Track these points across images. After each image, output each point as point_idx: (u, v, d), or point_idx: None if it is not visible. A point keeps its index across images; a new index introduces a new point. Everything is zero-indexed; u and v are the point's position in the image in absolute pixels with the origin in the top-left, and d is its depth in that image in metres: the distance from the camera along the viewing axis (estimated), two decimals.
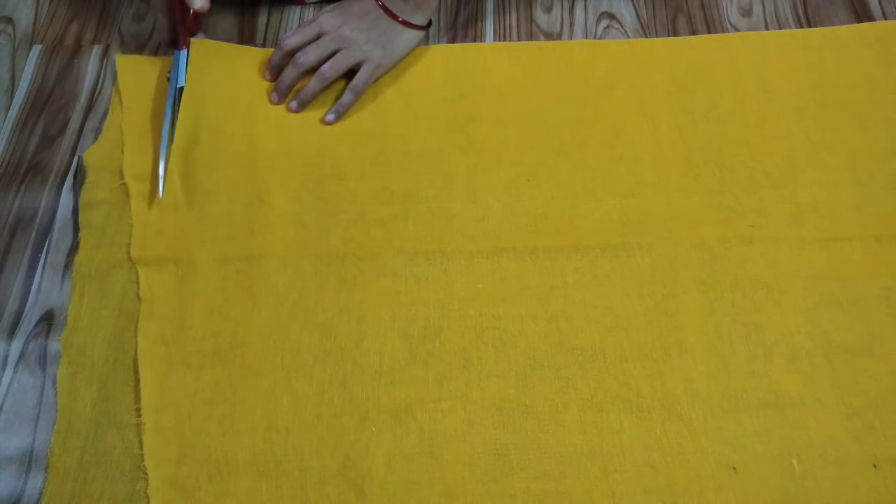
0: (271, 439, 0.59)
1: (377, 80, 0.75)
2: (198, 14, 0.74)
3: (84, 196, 0.70)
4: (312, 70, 0.74)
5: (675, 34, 0.81)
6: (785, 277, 0.65)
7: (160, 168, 0.68)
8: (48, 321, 0.65)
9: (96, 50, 0.80)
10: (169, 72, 0.74)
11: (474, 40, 0.80)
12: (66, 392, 0.61)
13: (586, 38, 0.81)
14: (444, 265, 0.66)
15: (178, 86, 0.73)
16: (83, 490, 0.57)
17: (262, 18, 0.82)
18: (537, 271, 0.66)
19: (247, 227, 0.68)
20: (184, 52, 0.73)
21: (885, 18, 0.80)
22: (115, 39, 0.80)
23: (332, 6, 0.75)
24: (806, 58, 0.77)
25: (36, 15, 0.83)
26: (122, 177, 0.70)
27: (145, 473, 0.57)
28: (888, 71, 0.76)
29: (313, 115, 0.74)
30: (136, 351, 0.62)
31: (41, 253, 0.68)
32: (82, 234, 0.68)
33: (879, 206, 0.69)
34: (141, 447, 0.58)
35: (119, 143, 0.72)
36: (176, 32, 0.74)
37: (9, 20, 0.82)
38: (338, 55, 0.73)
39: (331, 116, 0.73)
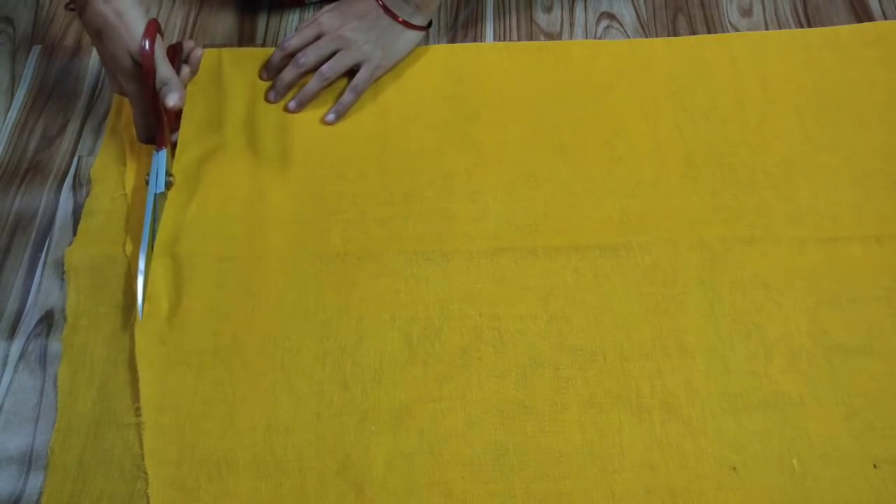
0: (271, 439, 0.59)
1: (377, 80, 0.75)
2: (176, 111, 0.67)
3: (87, 206, 0.70)
4: (312, 70, 0.74)
5: (675, 34, 0.81)
6: (785, 277, 0.65)
7: (139, 289, 0.63)
8: (48, 321, 0.65)
9: (96, 50, 0.79)
10: (147, 174, 0.67)
11: (474, 40, 0.80)
12: (66, 391, 0.61)
13: (586, 38, 0.81)
14: (444, 265, 0.66)
15: (158, 191, 0.66)
16: (83, 489, 0.57)
17: (262, 20, 0.82)
18: (537, 271, 0.66)
19: (247, 227, 0.68)
20: (163, 152, 0.67)
21: (885, 18, 0.81)
22: None
23: (331, 6, 0.75)
24: (806, 58, 0.77)
25: (36, 15, 0.83)
26: (123, 188, 0.70)
27: (145, 473, 0.57)
28: (888, 71, 0.76)
29: (313, 115, 0.74)
30: (131, 349, 0.62)
31: (41, 253, 0.68)
32: (78, 237, 0.68)
33: (879, 206, 0.69)
34: (141, 447, 0.58)
35: (120, 145, 0.72)
36: (153, 132, 0.68)
37: (9, 20, 0.82)
38: (337, 55, 0.73)
39: (331, 116, 0.73)
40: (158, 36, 0.64)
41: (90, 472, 0.58)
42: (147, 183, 0.67)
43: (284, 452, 0.58)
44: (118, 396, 0.61)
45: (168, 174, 0.67)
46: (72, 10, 0.66)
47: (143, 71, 0.63)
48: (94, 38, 0.66)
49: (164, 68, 0.64)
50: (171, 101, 0.64)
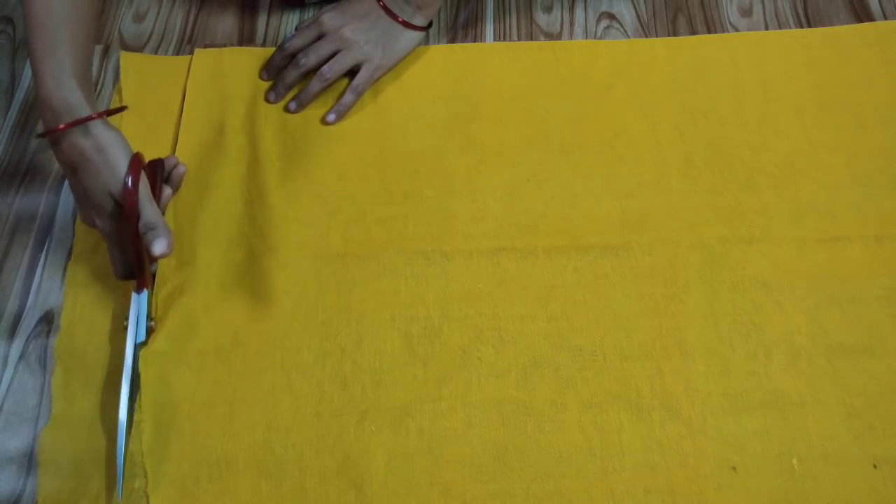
0: (271, 438, 0.59)
1: (377, 80, 0.75)
2: None
3: None
4: (313, 71, 0.74)
5: (676, 34, 0.81)
6: (785, 277, 0.65)
7: (118, 466, 0.56)
8: (48, 321, 0.65)
9: (96, 50, 0.79)
10: (126, 318, 0.60)
11: (474, 41, 0.80)
12: (60, 398, 0.61)
13: (586, 38, 0.81)
14: (444, 265, 0.66)
15: (138, 341, 0.60)
16: (81, 489, 0.57)
17: (262, 20, 0.82)
18: (537, 271, 0.66)
19: (247, 227, 0.68)
20: (144, 294, 0.61)
21: (886, 18, 0.80)
22: (115, 39, 0.81)
23: (332, 6, 0.75)
24: (806, 58, 0.77)
25: None
26: None
27: (145, 472, 0.57)
28: (888, 71, 0.76)
29: (314, 114, 0.74)
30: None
31: (41, 253, 0.68)
32: (75, 243, 0.68)
33: (879, 206, 0.68)
34: (141, 446, 0.58)
35: None
36: (133, 270, 0.61)
37: (9, 20, 0.82)
38: (338, 56, 0.73)
39: (331, 117, 0.73)
40: (143, 172, 0.58)
41: (87, 472, 0.58)
42: (125, 328, 0.60)
43: (284, 452, 0.58)
44: (116, 396, 0.60)
45: (150, 318, 0.61)
46: (41, 136, 0.59)
47: (125, 212, 0.57)
48: (67, 173, 0.60)
49: (149, 210, 0.58)
50: (159, 249, 0.57)
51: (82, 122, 0.57)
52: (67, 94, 0.57)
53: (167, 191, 0.65)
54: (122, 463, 0.56)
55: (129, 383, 0.58)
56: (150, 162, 0.63)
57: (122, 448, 0.56)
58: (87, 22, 0.60)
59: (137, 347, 0.60)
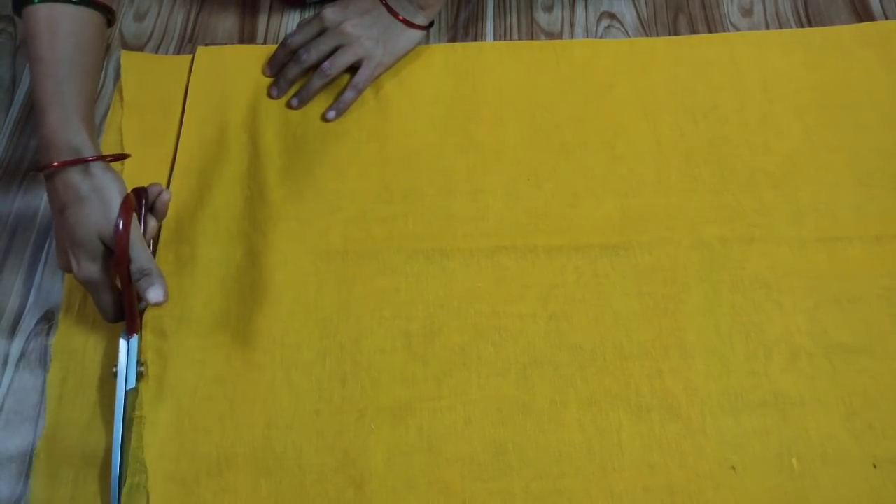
0: (271, 436, 0.59)
1: (378, 77, 0.75)
2: None
3: None
4: (314, 67, 0.74)
5: (676, 34, 0.81)
6: (785, 277, 0.65)
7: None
8: (48, 321, 0.65)
9: None
10: (115, 366, 0.58)
11: (475, 40, 0.80)
12: (55, 398, 0.61)
13: (587, 37, 0.81)
14: (444, 264, 0.66)
15: (129, 388, 0.58)
16: (79, 494, 0.57)
17: (263, 19, 0.82)
18: (537, 270, 0.66)
19: (247, 224, 0.68)
20: (135, 339, 0.59)
21: (886, 18, 0.80)
22: (115, 39, 0.81)
23: (333, 3, 0.75)
24: (806, 57, 0.77)
25: None
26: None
27: (145, 468, 0.57)
28: (888, 71, 0.76)
29: (314, 112, 0.74)
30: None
31: (41, 253, 0.68)
32: None
33: (879, 206, 0.68)
34: (141, 441, 0.58)
35: (118, 146, 0.72)
36: (123, 315, 0.60)
37: (10, 19, 0.82)
38: (339, 52, 0.73)
39: (331, 114, 0.73)
40: (134, 214, 0.57)
41: (86, 472, 0.58)
42: (114, 375, 0.58)
43: (284, 449, 0.58)
44: (113, 397, 0.60)
45: (140, 363, 0.59)
46: (36, 171, 0.57)
47: (116, 256, 0.56)
48: (55, 211, 0.58)
49: (141, 254, 0.57)
50: (154, 297, 0.56)
51: (84, 161, 0.56)
52: (72, 135, 0.57)
53: (152, 222, 0.62)
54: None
55: (121, 430, 0.57)
56: (134, 190, 0.60)
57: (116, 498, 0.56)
58: (93, 64, 0.61)
59: (128, 394, 0.58)
